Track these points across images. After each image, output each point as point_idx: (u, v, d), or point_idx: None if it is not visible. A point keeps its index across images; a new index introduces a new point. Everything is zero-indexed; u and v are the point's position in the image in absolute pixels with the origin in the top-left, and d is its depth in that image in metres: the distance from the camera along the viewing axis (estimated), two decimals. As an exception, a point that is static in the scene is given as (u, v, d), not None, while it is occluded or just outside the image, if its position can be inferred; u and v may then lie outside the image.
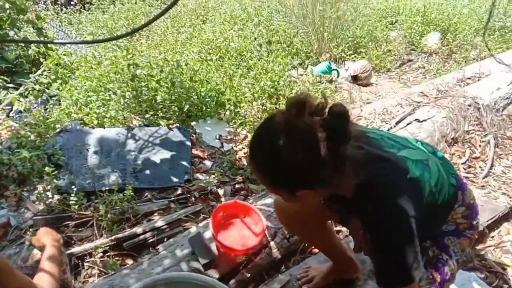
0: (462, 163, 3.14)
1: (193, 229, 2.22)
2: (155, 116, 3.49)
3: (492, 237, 2.51)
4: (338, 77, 5.03)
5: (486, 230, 2.47)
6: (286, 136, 1.06)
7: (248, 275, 1.98)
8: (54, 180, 2.66)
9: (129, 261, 2.21)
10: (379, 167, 1.18)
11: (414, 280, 1.14)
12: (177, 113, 3.53)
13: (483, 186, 2.89)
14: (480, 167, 3.13)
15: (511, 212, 2.66)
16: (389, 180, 1.18)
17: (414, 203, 1.16)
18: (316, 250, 2.16)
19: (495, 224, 2.57)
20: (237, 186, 2.85)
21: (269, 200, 2.38)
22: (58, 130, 3.25)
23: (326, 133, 1.03)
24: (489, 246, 2.42)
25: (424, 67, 5.75)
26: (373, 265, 1.28)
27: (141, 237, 2.30)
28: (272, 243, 2.14)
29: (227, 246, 1.99)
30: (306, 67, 5.14)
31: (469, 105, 3.64)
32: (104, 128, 3.29)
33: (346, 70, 5.30)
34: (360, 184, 1.14)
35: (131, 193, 2.48)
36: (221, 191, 2.79)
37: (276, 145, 1.07)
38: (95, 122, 3.37)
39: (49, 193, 2.60)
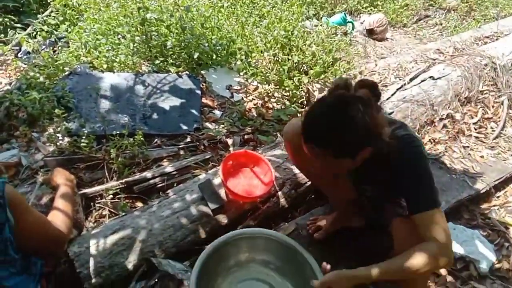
0: (473, 123, 3.11)
1: (202, 176, 2.24)
2: (165, 63, 3.43)
3: (498, 197, 2.53)
4: (352, 30, 4.89)
5: (493, 189, 2.49)
6: (344, 109, 1.25)
7: (255, 222, 2.02)
8: (64, 123, 2.67)
9: (139, 204, 2.25)
10: (395, 127, 1.43)
11: (440, 204, 1.37)
12: (187, 61, 3.47)
13: (493, 147, 2.88)
14: (491, 127, 3.10)
15: (519, 174, 2.66)
16: (408, 132, 1.44)
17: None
18: (322, 202, 2.19)
19: (501, 184, 2.58)
20: (246, 136, 2.85)
21: (278, 151, 2.39)
22: (67, 72, 3.22)
23: (372, 98, 1.30)
24: (494, 206, 2.44)
25: (441, 24, 5.56)
26: (405, 200, 1.44)
27: (151, 181, 2.33)
28: (279, 193, 2.16)
29: (236, 193, 2.02)
30: (321, 18, 4.98)
31: (485, 65, 3.55)
32: (114, 72, 3.26)
33: (362, 23, 5.14)
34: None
35: (141, 139, 2.49)
36: (230, 141, 2.80)
37: (340, 118, 1.26)
38: (105, 66, 3.33)
39: (59, 135, 2.62)
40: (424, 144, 1.85)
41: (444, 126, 3.04)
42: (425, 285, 1.68)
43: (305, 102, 3.18)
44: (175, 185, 2.31)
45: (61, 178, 1.75)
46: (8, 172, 2.46)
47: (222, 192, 2.08)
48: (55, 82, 3.06)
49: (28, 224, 1.34)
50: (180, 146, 2.69)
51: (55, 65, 3.22)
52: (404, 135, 1.41)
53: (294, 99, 3.15)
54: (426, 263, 1.30)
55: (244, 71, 3.52)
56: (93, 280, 1.66)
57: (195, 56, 3.41)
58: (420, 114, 2.98)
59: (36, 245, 1.43)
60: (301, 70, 3.54)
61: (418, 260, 1.30)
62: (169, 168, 2.42)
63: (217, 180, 2.15)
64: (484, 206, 2.45)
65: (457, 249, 2.10)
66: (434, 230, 1.32)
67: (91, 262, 1.71)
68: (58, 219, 1.53)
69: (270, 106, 3.16)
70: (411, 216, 1.38)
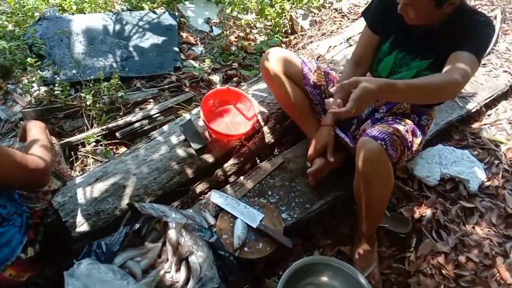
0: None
1: (186, 117, 2.18)
2: (138, -1, 3.23)
3: (489, 115, 2.48)
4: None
5: (483, 108, 2.43)
6: None
7: (241, 159, 1.99)
8: (38, 71, 2.56)
9: (123, 150, 2.21)
10: None
11: (479, 64, 1.46)
12: (161, -5, 3.26)
13: (484, 64, 2.77)
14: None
15: (510, 90, 2.59)
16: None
17: None
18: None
19: (493, 102, 2.53)
20: (229, 72, 2.75)
21: (262, 85, 2.30)
22: (36, 18, 3.03)
23: None
24: (484, 124, 2.40)
25: None
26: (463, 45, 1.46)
27: (134, 125, 2.28)
28: (265, 128, 2.11)
29: (218, 132, 1.97)
30: None
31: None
32: (85, 14, 3.07)
33: None
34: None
35: (118, 82, 2.39)
36: (212, 78, 2.70)
37: None
38: (74, 7, 3.13)
39: (34, 85, 2.52)
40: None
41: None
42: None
43: (289, 31, 3.03)
44: (158, 127, 2.25)
45: (31, 126, 1.69)
46: (-15, 127, 2.39)
47: (205, 132, 2.03)
48: (24, 29, 2.90)
49: (1, 164, 1.31)
50: (161, 88, 2.60)
51: (23, 11, 3.03)
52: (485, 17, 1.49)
53: (277, 28, 2.99)
54: (446, 83, 1.35)
55: (223, 1, 3.32)
56: (80, 228, 1.66)
57: (170, -11, 3.20)
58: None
59: (20, 181, 1.41)
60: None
61: (439, 79, 1.36)
62: (151, 111, 2.35)
63: (200, 120, 2.09)
64: (475, 125, 2.41)
65: (447, 170, 2.10)
66: (461, 70, 1.37)
67: (77, 211, 1.70)
68: (34, 150, 1.50)
69: (252, 38, 3.01)
70: (455, 52, 1.44)
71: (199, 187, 1.90)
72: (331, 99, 1.70)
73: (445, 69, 1.41)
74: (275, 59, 1.85)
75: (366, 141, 1.49)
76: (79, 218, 1.69)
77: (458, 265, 1.80)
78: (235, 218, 1.70)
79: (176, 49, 2.85)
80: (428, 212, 1.98)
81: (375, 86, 1.25)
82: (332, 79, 1.91)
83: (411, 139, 1.59)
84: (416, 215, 1.96)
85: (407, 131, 1.56)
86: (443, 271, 1.77)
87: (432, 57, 1.60)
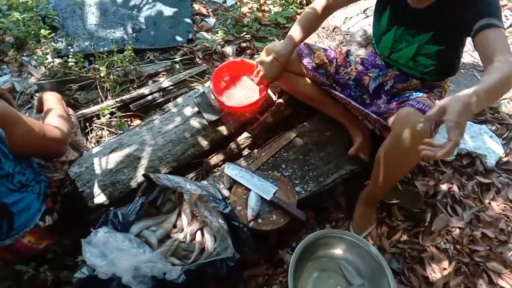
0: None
1: (200, 89, 2.16)
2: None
3: (509, 90, 2.41)
4: None
5: (504, 82, 2.37)
6: None
7: (255, 132, 1.98)
8: (52, 43, 2.56)
9: (137, 122, 2.22)
10: None
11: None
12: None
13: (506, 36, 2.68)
14: (505, 16, 2.87)
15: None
16: None
17: None
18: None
19: (514, 76, 2.45)
20: (242, 44, 2.70)
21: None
22: (48, -11, 3.00)
23: None
24: (504, 99, 2.34)
25: None
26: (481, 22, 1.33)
27: (148, 98, 2.27)
28: (279, 101, 2.09)
29: (228, 105, 1.95)
30: None
31: None
32: (97, -16, 3.02)
33: None
34: None
35: (132, 54, 2.37)
36: (225, 50, 2.66)
37: None
38: (86, -22, 3.08)
39: (48, 57, 2.52)
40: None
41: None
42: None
43: (304, 2, 2.95)
44: (171, 100, 2.25)
45: (47, 97, 1.71)
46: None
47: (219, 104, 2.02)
48: (37, 1, 2.88)
49: (21, 134, 1.34)
50: (174, 60, 2.58)
51: (35, -19, 2.99)
52: None
53: (293, -1, 2.92)
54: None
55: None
56: (97, 198, 1.69)
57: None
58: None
59: (38, 150, 1.46)
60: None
61: (503, 72, 1.19)
62: (165, 83, 2.34)
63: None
64: (494, 100, 2.35)
65: (464, 145, 2.06)
66: (507, 48, 1.26)
67: (93, 181, 1.72)
68: (52, 121, 1.54)
69: (267, 9, 2.95)
70: (481, 32, 1.30)
71: (213, 160, 1.90)
72: None
73: (491, 56, 1.26)
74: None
75: (412, 112, 1.41)
76: (95, 189, 1.71)
77: (473, 240, 1.80)
78: (249, 190, 1.71)
79: (189, 20, 2.81)
80: (443, 187, 1.97)
81: (468, 103, 1.05)
82: (334, 56, 1.88)
83: None
84: (431, 190, 1.95)
85: None
86: (458, 246, 1.78)
87: (433, 29, 1.52)
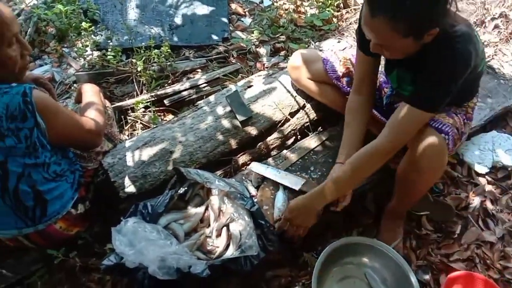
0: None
1: (232, 88, 2.18)
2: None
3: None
4: None
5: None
6: None
7: (285, 133, 1.99)
8: (92, 36, 2.64)
9: (170, 117, 2.26)
10: (456, 20, 1.28)
11: (436, 111, 1.35)
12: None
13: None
14: None
15: None
16: (465, 30, 1.27)
17: (475, 55, 1.28)
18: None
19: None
20: (277, 45, 2.71)
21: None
22: (91, -17, 3.10)
23: None
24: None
25: None
26: (414, 91, 1.37)
27: (181, 94, 2.31)
28: (308, 105, 2.08)
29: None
30: None
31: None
32: (138, -19, 3.10)
33: None
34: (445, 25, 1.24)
35: (168, 50, 2.42)
36: (260, 51, 2.67)
37: None
38: (128, -26, 3.16)
39: (88, 49, 2.60)
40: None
41: (496, 26, 2.73)
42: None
43: (341, 5, 2.93)
44: (204, 97, 2.28)
45: (86, 88, 1.76)
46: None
47: (250, 104, 2.03)
48: (80, -6, 2.98)
49: (60, 124, 1.38)
50: (209, 58, 2.61)
51: (78, -25, 3.09)
52: (464, 32, 1.26)
53: (330, 1, 2.90)
54: (370, 157, 1.42)
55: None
56: (128, 189, 1.73)
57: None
58: (469, 14, 2.68)
59: (76, 140, 1.51)
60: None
61: (362, 156, 1.42)
62: (198, 81, 2.38)
63: (246, 92, 2.09)
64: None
65: (499, 158, 2.00)
66: (404, 126, 1.35)
67: (125, 172, 1.76)
68: (90, 113, 1.59)
69: (303, 10, 2.94)
70: (403, 103, 1.35)
71: (242, 158, 1.92)
72: None
73: (385, 128, 1.41)
74: (293, 70, 1.95)
75: (428, 131, 1.39)
76: (127, 180, 1.75)
77: (504, 256, 1.74)
78: (276, 190, 1.72)
79: (225, 19, 2.84)
80: (476, 200, 1.91)
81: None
82: None
83: (463, 129, 1.52)
84: (463, 203, 1.90)
85: (461, 121, 1.49)
86: (488, 261, 1.72)
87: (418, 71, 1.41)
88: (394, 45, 1.26)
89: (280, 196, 1.68)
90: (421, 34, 1.21)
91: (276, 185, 1.74)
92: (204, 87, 2.38)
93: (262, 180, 1.76)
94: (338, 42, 2.36)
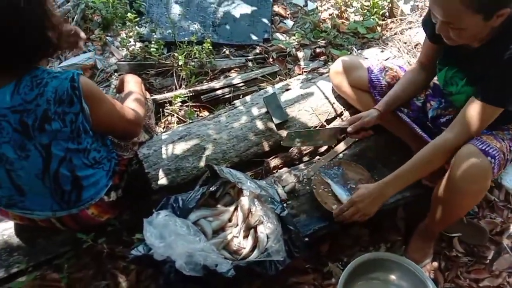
0: None
1: (269, 90, 2.18)
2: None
3: None
4: None
5: None
6: None
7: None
8: (136, 27, 2.69)
9: (206, 113, 2.28)
10: None
11: (508, 107, 1.32)
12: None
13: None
14: None
15: None
16: None
17: None
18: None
19: None
20: (317, 50, 2.69)
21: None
22: (139, -25, 3.16)
23: None
24: None
25: None
26: (484, 86, 1.34)
27: (218, 92, 2.33)
28: (346, 113, 2.05)
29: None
30: None
31: None
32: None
33: None
34: None
35: (210, 47, 2.44)
36: (300, 54, 2.66)
37: None
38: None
39: (131, 40, 2.66)
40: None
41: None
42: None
43: (387, 13, 2.88)
44: (241, 96, 2.28)
45: (128, 78, 1.80)
46: (84, 73, 2.58)
47: (286, 108, 2.02)
48: (127, -16, 3.04)
49: (103, 112, 1.41)
50: (248, 58, 2.62)
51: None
52: None
53: (375, 9, 2.85)
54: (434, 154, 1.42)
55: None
56: (160, 181, 1.75)
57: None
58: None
59: (116, 129, 1.53)
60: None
61: (427, 152, 1.42)
62: (236, 80, 2.39)
63: (283, 95, 2.08)
64: None
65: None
66: (470, 121, 1.35)
67: (159, 164, 1.79)
68: (131, 103, 1.63)
69: (347, 17, 2.91)
70: (472, 97, 1.35)
71: (274, 161, 1.91)
72: None
73: (452, 123, 1.42)
74: (336, 76, 1.92)
75: (474, 152, 1.33)
76: (160, 172, 1.78)
77: (538, 288, 1.66)
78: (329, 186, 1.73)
79: (267, 20, 2.84)
80: (512, 226, 1.84)
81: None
82: None
83: (509, 156, 1.44)
84: (498, 227, 1.83)
85: (508, 147, 1.43)
86: (520, 292, 1.65)
87: (476, 83, 1.39)
88: (461, 24, 1.21)
89: (336, 187, 1.71)
90: (491, 12, 1.17)
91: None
92: (241, 86, 2.39)
93: (294, 186, 1.76)
94: (382, 51, 2.31)
